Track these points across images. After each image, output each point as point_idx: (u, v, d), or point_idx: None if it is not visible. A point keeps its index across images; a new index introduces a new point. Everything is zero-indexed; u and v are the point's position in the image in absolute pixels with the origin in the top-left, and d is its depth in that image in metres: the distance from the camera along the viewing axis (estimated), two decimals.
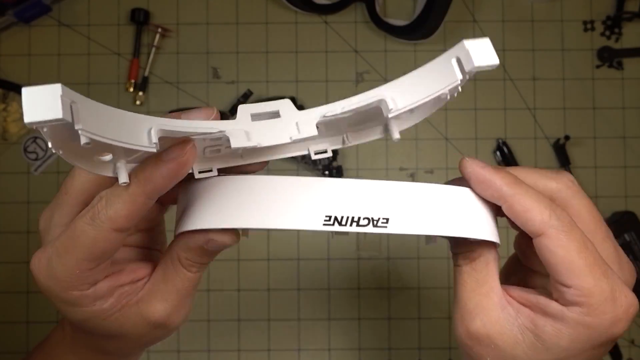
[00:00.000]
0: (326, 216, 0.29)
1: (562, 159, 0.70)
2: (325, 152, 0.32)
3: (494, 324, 0.31)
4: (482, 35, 0.69)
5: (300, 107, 0.30)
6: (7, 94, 0.69)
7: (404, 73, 0.30)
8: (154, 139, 0.25)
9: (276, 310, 0.69)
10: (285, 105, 0.30)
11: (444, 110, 0.70)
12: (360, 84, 0.70)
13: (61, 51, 0.70)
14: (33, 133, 0.69)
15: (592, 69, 0.71)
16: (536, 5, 0.71)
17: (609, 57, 0.70)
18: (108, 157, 0.26)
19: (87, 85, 0.70)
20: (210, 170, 0.30)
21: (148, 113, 0.69)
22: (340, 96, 0.30)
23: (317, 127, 0.29)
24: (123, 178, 0.27)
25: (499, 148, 0.70)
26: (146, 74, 0.69)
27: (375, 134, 0.34)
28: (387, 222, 0.30)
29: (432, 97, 0.29)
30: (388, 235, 0.69)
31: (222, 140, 0.29)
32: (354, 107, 0.29)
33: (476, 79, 0.70)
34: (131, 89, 0.69)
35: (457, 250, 0.33)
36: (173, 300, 0.32)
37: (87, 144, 0.23)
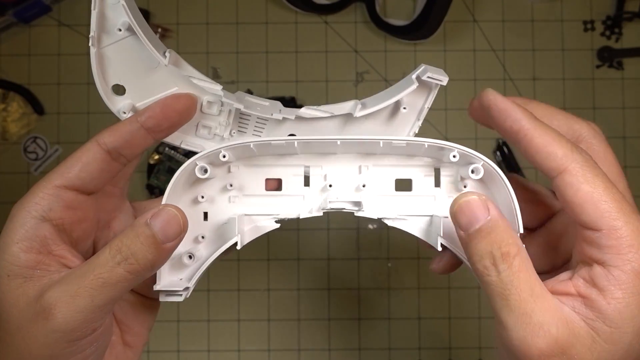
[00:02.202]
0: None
1: None
2: None
3: (567, 328, 0.26)
4: (482, 35, 0.69)
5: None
6: (7, 94, 0.69)
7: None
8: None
9: (276, 310, 0.69)
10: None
11: (444, 110, 0.70)
12: (360, 84, 0.70)
13: (61, 51, 0.70)
14: (33, 133, 0.69)
15: (592, 69, 0.71)
16: (536, 5, 0.71)
17: (609, 57, 0.70)
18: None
19: (87, 86, 0.70)
20: None
21: None
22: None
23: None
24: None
25: (499, 148, 0.70)
26: None
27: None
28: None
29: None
30: (388, 234, 0.69)
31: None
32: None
33: (476, 79, 0.70)
34: None
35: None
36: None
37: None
